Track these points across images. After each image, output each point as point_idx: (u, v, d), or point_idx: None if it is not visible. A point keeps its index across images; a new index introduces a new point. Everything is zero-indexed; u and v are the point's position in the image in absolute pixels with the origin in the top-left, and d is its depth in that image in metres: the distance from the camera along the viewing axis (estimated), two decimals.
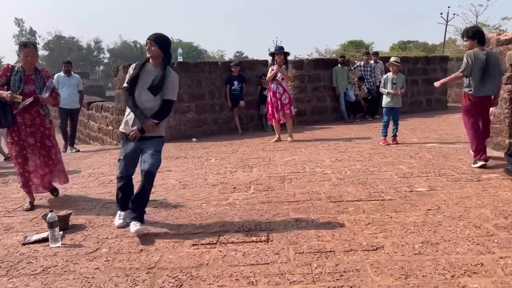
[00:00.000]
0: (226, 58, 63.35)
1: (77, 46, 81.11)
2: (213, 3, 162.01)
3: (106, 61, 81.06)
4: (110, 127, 10.54)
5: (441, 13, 37.46)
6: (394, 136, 7.69)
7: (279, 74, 8.24)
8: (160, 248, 3.42)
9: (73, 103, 9.16)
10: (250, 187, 5.17)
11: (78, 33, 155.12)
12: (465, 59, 5.61)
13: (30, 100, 4.51)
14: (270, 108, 8.51)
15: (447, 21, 36.92)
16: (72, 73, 9.44)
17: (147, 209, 3.97)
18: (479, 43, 5.73)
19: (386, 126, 7.70)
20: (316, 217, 3.96)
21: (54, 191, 5.13)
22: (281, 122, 8.61)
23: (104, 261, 3.23)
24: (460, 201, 4.20)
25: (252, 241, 3.44)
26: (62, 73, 9.23)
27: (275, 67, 8.25)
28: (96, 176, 6.27)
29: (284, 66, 8.26)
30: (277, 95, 8.32)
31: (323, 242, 3.37)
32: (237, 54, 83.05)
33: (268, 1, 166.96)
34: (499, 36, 6.20)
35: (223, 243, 3.45)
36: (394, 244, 3.26)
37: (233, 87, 10.26)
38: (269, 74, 8.45)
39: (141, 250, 3.39)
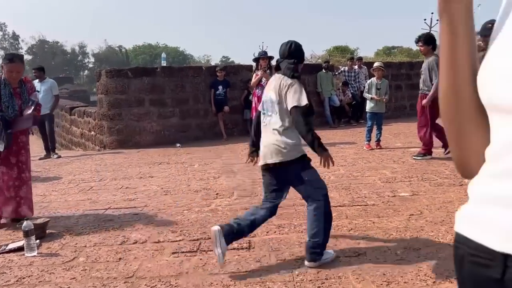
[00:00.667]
0: (212, 63, 63.32)
1: (61, 51, 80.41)
2: (199, 8, 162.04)
3: (91, 65, 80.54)
4: (92, 133, 10.39)
5: (425, 19, 37.95)
6: (378, 140, 7.72)
7: (264, 79, 8.21)
8: (139, 256, 3.35)
9: (44, 109, 8.95)
10: (233, 193, 5.11)
11: (62, 37, 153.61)
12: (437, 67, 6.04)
13: (30, 122, 4.36)
14: (254, 114, 8.47)
15: (430, 27, 37.41)
16: (47, 78, 9.30)
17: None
18: (433, 49, 6.21)
19: (370, 131, 7.73)
20: (298, 223, 3.93)
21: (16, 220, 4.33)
22: None
23: (81, 270, 3.14)
24: (443, 206, 4.20)
25: (234, 248, 3.39)
26: (37, 80, 9.12)
27: (259, 72, 8.23)
28: (77, 183, 6.15)
29: (268, 71, 8.23)
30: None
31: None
32: (223, 59, 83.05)
33: (254, 6, 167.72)
34: (479, 42, 6.26)
35: (204, 250, 3.40)
36: (376, 250, 3.24)
37: (217, 92, 10.20)
38: (253, 80, 8.41)
39: (120, 259, 3.31)
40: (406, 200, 4.48)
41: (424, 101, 6.29)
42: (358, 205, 4.36)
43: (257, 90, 8.35)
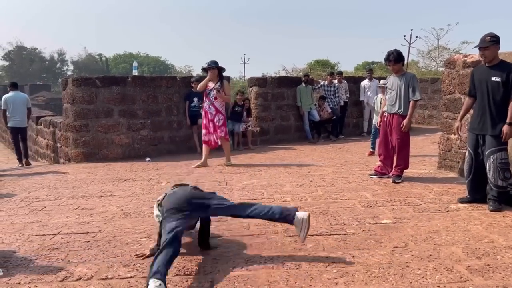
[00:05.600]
0: (194, 73, 62.69)
1: (39, 58, 79.05)
2: (182, 18, 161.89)
3: (69, 73, 79.17)
4: (58, 144, 9.77)
5: (404, 36, 38.45)
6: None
7: (212, 93, 7.60)
8: None
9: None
10: None
11: (40, 44, 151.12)
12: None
13: None
14: (203, 130, 7.77)
15: (410, 43, 37.79)
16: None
17: None
18: (403, 64, 6.20)
19: (375, 138, 8.33)
20: (269, 255, 3.47)
21: None
22: (217, 145, 7.83)
23: None
24: (429, 237, 3.81)
25: None
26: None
27: (210, 83, 7.55)
28: (29, 201, 5.58)
29: (218, 83, 7.57)
30: (209, 116, 7.59)
31: None
32: None
33: (238, 19, 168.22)
34: (465, 58, 5.99)
35: None
36: None
37: (192, 104, 9.75)
38: (201, 83, 7.63)
39: None
40: (389, 228, 4.08)
41: (405, 124, 5.94)
42: (336, 234, 3.94)
43: (205, 104, 7.65)
